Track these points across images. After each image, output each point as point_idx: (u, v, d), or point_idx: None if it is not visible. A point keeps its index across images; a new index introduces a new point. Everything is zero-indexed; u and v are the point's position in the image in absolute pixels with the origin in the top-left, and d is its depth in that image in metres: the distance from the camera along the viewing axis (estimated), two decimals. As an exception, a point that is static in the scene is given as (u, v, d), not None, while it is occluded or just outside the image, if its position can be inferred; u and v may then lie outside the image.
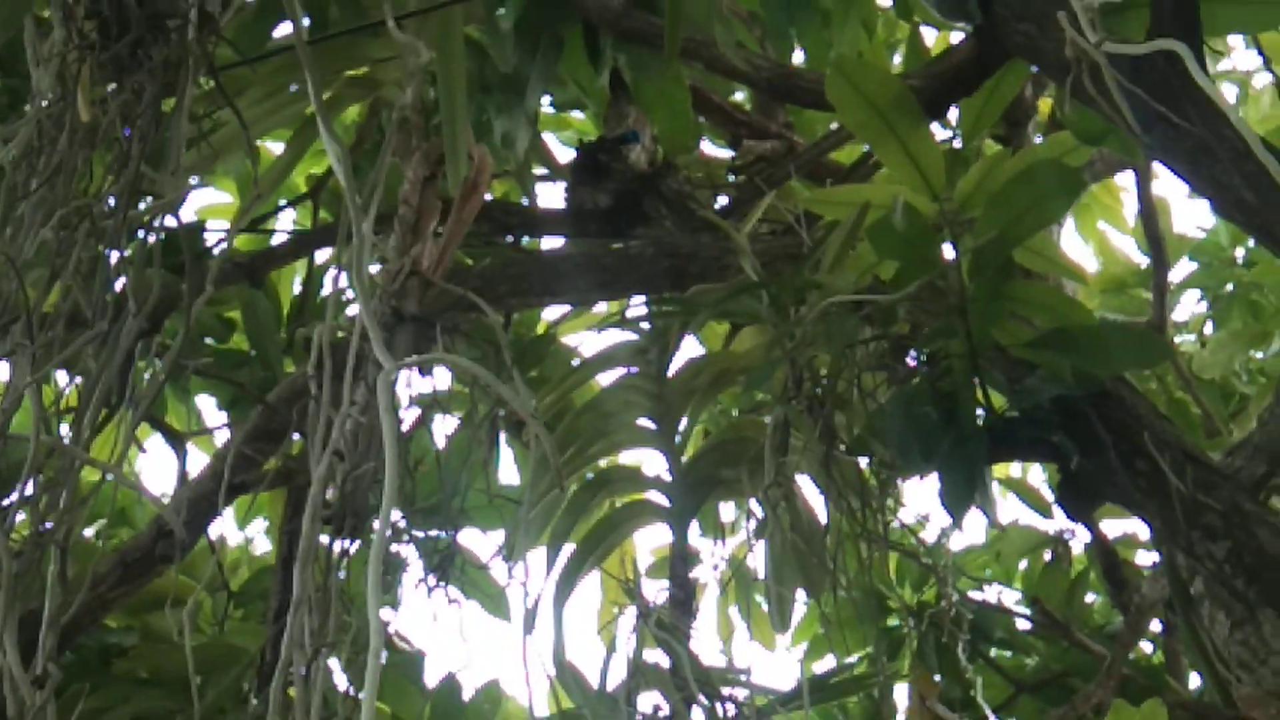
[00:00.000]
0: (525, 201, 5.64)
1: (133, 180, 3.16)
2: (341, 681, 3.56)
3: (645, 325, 4.84)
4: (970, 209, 3.90)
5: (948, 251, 3.87)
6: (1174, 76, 3.14)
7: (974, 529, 8.28)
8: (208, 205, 6.67)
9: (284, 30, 4.69)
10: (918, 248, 3.88)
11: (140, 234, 3.60)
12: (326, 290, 5.58)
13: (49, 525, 3.17)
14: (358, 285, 2.84)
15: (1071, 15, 3.11)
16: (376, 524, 4.00)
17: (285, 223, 6.39)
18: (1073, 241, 7.55)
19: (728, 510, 5.40)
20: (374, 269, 4.22)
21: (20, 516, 3.31)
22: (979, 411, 3.95)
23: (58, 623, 3.03)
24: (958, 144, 5.08)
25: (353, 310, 4.53)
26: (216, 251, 5.22)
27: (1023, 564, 6.97)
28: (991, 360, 3.95)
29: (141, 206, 3.36)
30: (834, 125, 5.59)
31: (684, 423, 4.66)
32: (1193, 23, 3.22)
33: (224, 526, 7.09)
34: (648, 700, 4.23)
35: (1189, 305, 7.71)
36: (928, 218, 3.88)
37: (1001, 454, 4.04)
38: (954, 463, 3.91)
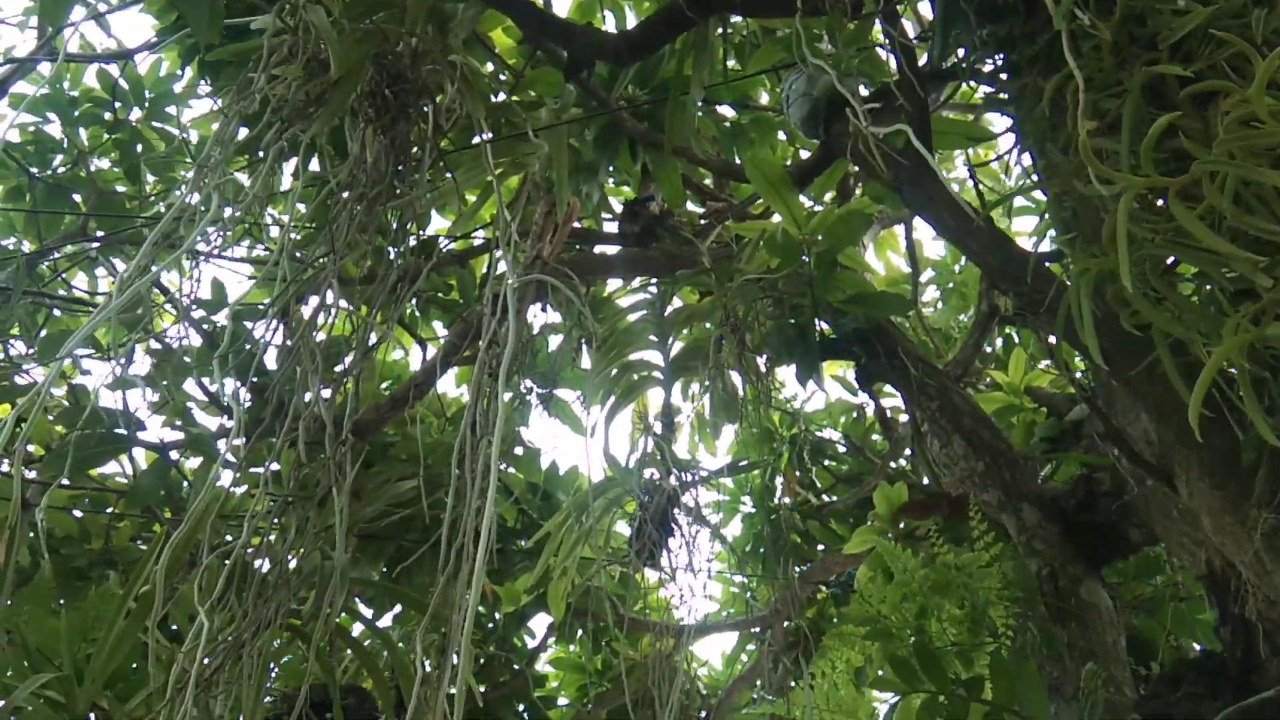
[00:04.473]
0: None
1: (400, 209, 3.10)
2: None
3: (653, 290, 4.82)
4: (817, 233, 3.86)
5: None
6: (917, 159, 3.08)
7: (819, 400, 8.27)
8: (440, 227, 6.65)
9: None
10: (790, 252, 3.85)
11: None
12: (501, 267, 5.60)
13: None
14: (508, 263, 2.75)
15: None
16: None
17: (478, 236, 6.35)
18: (873, 259, 7.48)
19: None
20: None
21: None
22: (818, 335, 3.94)
23: (351, 419, 3.02)
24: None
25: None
26: (442, 248, 5.17)
27: (842, 419, 6.94)
28: (824, 310, 3.92)
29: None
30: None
31: (670, 339, 4.60)
32: (928, 137, 3.15)
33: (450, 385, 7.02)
34: (649, 472, 4.27)
35: (931, 292, 7.69)
36: (796, 238, 3.84)
37: (828, 357, 4.01)
38: (802, 360, 3.89)
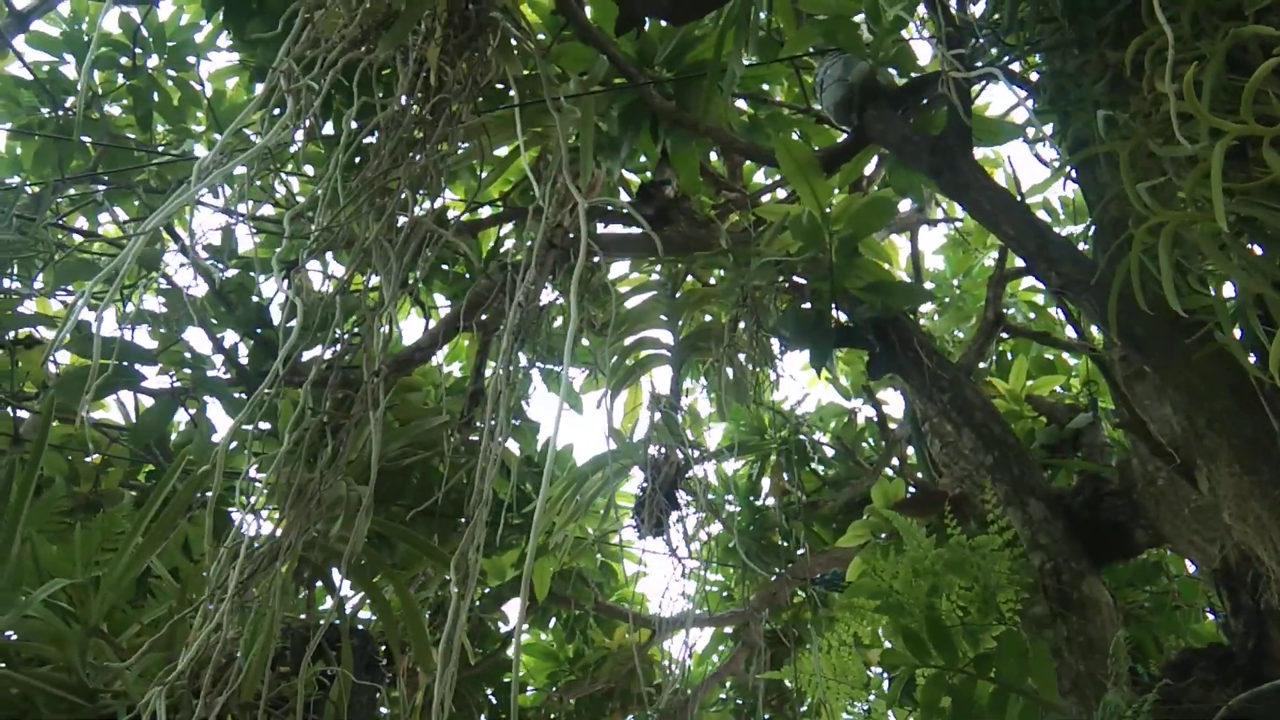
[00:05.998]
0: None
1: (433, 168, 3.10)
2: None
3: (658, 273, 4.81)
4: (839, 220, 3.87)
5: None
6: (956, 147, 3.09)
7: (811, 403, 8.29)
8: (452, 200, 6.61)
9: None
10: (812, 236, 3.86)
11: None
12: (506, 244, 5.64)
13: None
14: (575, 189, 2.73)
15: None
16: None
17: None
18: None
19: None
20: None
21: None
22: (833, 322, 3.94)
23: (380, 374, 3.01)
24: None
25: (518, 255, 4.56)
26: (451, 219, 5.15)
27: (833, 423, 6.95)
28: (841, 296, 3.93)
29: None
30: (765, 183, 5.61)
31: (681, 320, 4.60)
32: (967, 134, 3.16)
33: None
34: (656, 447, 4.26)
35: (929, 306, 7.71)
36: (819, 222, 3.85)
37: (842, 344, 4.00)
38: (817, 346, 3.90)
